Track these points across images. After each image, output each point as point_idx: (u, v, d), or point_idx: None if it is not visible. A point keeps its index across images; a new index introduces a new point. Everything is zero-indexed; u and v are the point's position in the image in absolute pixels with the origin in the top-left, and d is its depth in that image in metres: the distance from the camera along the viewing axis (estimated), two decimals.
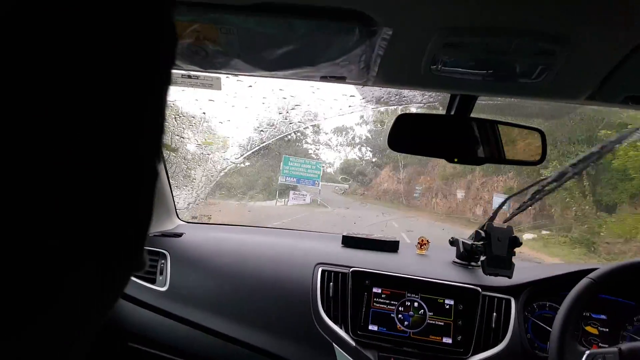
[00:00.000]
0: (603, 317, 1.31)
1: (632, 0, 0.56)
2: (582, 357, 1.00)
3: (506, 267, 1.26)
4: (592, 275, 1.10)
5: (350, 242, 1.59)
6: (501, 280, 1.30)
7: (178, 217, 1.85)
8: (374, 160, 16.72)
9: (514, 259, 1.27)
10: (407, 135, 1.04)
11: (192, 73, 1.13)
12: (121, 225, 0.29)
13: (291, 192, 9.72)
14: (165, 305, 1.40)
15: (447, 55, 0.79)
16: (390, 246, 1.59)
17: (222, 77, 1.16)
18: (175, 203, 1.84)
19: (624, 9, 0.59)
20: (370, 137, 16.52)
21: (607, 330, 1.30)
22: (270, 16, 0.71)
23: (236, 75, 1.00)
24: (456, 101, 1.01)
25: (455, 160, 1.06)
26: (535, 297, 1.30)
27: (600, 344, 1.28)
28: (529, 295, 1.28)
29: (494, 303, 1.28)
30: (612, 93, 0.84)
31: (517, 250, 1.28)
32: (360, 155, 17.12)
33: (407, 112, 1.05)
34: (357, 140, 17.04)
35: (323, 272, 1.36)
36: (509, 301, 1.28)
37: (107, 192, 0.27)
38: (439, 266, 1.44)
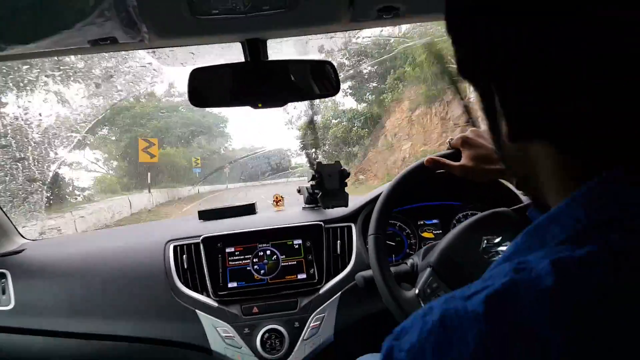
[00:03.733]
0: (436, 221, 1.49)
1: None
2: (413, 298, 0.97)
3: (341, 198, 1.36)
4: (370, 230, 1.08)
5: (206, 215, 1.59)
6: (341, 211, 1.41)
7: (22, 236, 1.70)
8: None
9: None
10: (207, 89, 1.07)
11: None
12: None
13: None
14: (16, 322, 1.32)
15: None
16: (248, 209, 1.62)
17: None
18: (14, 222, 1.68)
19: None
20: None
21: (441, 232, 1.48)
22: None
23: (5, 59, 0.93)
24: (246, 47, 1.06)
25: (260, 105, 1.11)
26: None
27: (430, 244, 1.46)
28: (366, 217, 1.41)
29: (337, 232, 1.38)
30: (365, 8, 0.93)
31: None
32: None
33: None
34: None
35: (175, 247, 1.36)
36: (350, 228, 1.39)
37: None
38: (290, 216, 1.52)
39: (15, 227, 1.69)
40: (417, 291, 0.98)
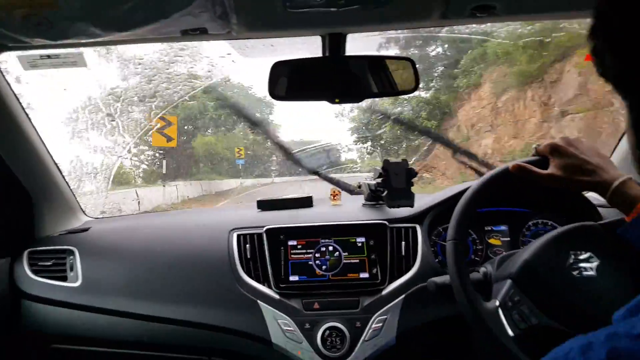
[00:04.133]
0: (504, 227, 1.44)
1: None
2: (493, 310, 0.94)
3: (407, 198, 1.33)
4: (449, 235, 1.01)
5: (265, 205, 1.60)
6: (406, 211, 1.38)
7: (85, 214, 1.78)
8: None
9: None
10: (286, 82, 1.06)
11: (51, 52, 1.05)
12: None
13: None
14: (82, 299, 1.37)
15: None
16: (305, 202, 1.62)
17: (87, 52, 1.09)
18: (79, 200, 1.76)
19: None
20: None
21: (509, 239, 1.42)
22: None
23: (95, 44, 0.95)
24: (327, 42, 1.04)
25: (337, 100, 1.09)
26: (439, 220, 1.39)
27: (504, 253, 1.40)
28: (432, 219, 1.37)
29: (402, 233, 1.35)
30: (460, 6, 0.89)
31: None
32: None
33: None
34: None
35: (238, 236, 1.37)
36: (415, 229, 1.36)
37: None
38: (350, 211, 1.50)
39: (80, 205, 1.76)
40: (497, 303, 0.94)
